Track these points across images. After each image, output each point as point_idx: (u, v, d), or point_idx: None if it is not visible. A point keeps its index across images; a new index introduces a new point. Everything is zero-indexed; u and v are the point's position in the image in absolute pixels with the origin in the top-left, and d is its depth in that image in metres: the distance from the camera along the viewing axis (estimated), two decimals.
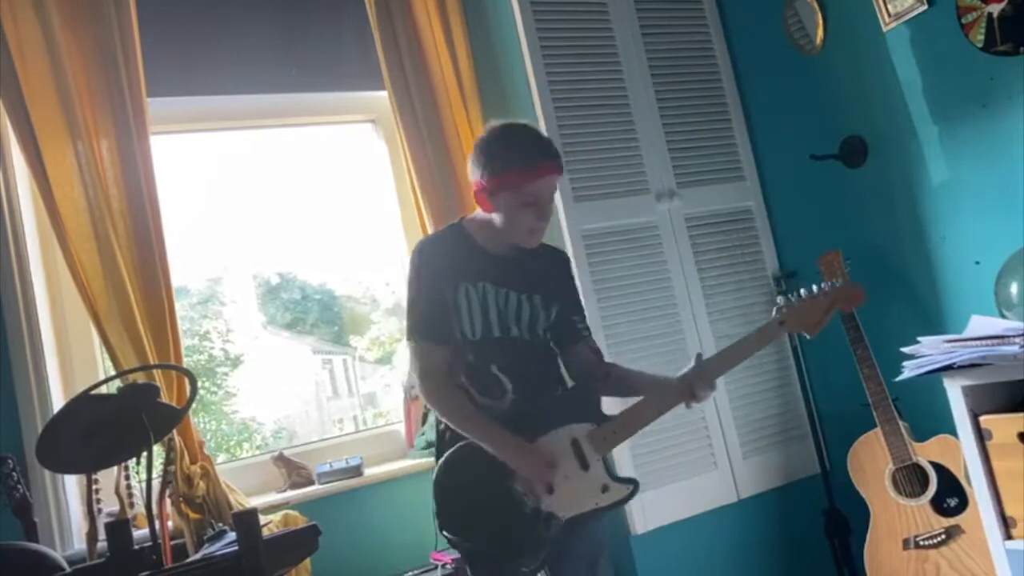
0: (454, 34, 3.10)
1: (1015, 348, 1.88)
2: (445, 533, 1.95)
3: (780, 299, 2.03)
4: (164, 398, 2.30)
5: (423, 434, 2.90)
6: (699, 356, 2.02)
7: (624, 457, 2.73)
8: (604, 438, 1.98)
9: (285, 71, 2.99)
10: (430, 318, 2.01)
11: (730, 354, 2.03)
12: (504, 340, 2.02)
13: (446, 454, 1.99)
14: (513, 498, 1.93)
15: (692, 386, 1.98)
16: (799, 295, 2.02)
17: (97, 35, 2.58)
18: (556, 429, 1.98)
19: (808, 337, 2.05)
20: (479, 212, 2.09)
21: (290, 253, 3.40)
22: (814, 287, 2.02)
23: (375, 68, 3.00)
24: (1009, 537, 1.95)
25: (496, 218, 2.03)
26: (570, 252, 2.79)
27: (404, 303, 2.11)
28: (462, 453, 1.97)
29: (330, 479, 2.76)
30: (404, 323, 2.07)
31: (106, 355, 2.56)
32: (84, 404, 1.93)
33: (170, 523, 2.44)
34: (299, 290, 3.53)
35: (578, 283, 2.25)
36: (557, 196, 2.78)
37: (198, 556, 2.04)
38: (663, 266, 2.94)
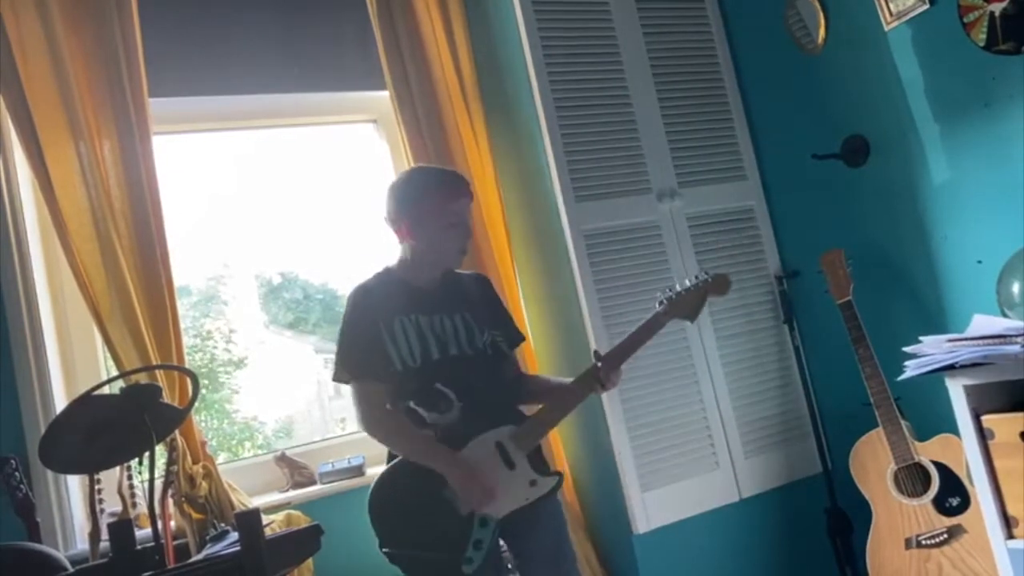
0: (455, 34, 3.10)
1: (1017, 347, 1.88)
2: (384, 549, 2.04)
3: (659, 294, 2.24)
4: (166, 398, 2.30)
5: None
6: (596, 353, 2.20)
7: (626, 457, 2.73)
8: (524, 436, 2.12)
9: (286, 71, 2.99)
10: (360, 356, 2.13)
11: (627, 344, 2.20)
12: (444, 360, 2.15)
13: (378, 476, 2.11)
14: (447, 504, 2.04)
15: (598, 375, 2.13)
16: (677, 291, 2.24)
17: (99, 35, 2.59)
18: (481, 435, 2.10)
19: (689, 323, 2.33)
20: (401, 254, 2.25)
21: (292, 253, 3.41)
22: (687, 281, 2.26)
23: (376, 68, 3.00)
24: (1011, 536, 1.95)
25: (422, 249, 2.20)
26: (571, 252, 2.79)
27: None
28: (392, 471, 2.10)
29: (332, 479, 2.76)
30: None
31: (108, 355, 2.56)
32: (86, 405, 1.93)
33: (172, 523, 2.44)
34: (301, 290, 3.53)
35: (503, 299, 2.48)
36: (558, 195, 2.82)
37: (201, 556, 2.04)
38: (664, 266, 2.94)
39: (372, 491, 2.09)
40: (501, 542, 2.24)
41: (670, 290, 2.24)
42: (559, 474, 2.17)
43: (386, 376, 2.13)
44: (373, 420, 2.11)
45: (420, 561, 2.04)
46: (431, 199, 2.18)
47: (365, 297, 2.19)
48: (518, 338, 2.38)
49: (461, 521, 2.03)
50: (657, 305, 2.22)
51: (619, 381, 2.19)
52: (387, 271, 2.26)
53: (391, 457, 2.16)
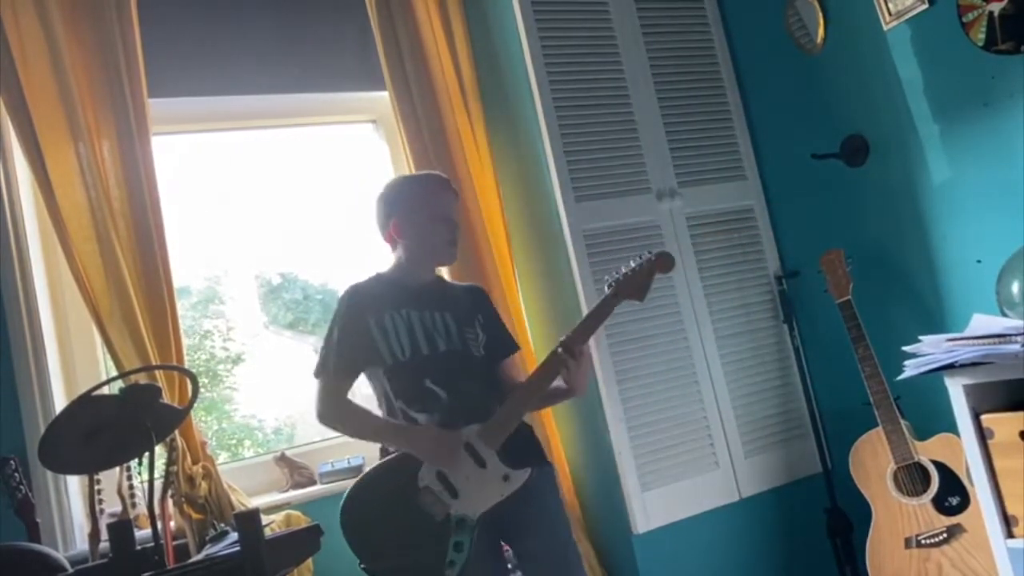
0: (455, 34, 3.10)
1: (1016, 347, 1.88)
2: (362, 566, 2.03)
3: (607, 277, 2.22)
4: (166, 398, 2.30)
5: None
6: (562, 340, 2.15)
7: (625, 456, 2.73)
8: (491, 433, 2.10)
9: (286, 71, 2.99)
10: (345, 355, 2.15)
11: (583, 326, 2.17)
12: (434, 355, 2.16)
13: (344, 496, 2.08)
14: (421, 513, 2.03)
15: (564, 354, 2.11)
16: (623, 272, 2.20)
17: (98, 36, 2.59)
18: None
19: (639, 303, 2.23)
20: (394, 260, 2.29)
21: (292, 253, 3.41)
22: (631, 262, 2.22)
23: (376, 68, 3.00)
24: (1011, 536, 1.95)
25: (413, 248, 2.24)
26: (571, 252, 2.80)
27: None
28: (359, 487, 2.09)
29: (332, 479, 2.76)
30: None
31: (108, 356, 2.56)
32: (86, 405, 1.94)
33: (172, 523, 2.45)
34: (300, 290, 3.53)
35: (498, 310, 2.45)
36: (558, 195, 2.82)
37: (200, 556, 2.04)
38: None
39: (343, 510, 2.06)
40: (505, 545, 2.23)
41: (617, 272, 2.22)
42: (530, 463, 2.14)
43: (356, 373, 2.18)
44: (334, 410, 2.14)
45: (401, 573, 2.04)
46: (414, 194, 2.27)
47: (355, 295, 2.23)
48: (512, 347, 2.38)
49: (438, 526, 2.02)
50: (606, 288, 2.21)
51: (585, 358, 2.15)
52: (378, 275, 2.30)
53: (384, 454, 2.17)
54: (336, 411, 2.15)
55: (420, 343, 2.16)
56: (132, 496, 2.32)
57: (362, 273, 2.31)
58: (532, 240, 3.05)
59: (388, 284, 2.25)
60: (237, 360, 3.33)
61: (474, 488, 2.06)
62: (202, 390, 3.14)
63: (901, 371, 2.11)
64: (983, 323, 2.11)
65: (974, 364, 1.96)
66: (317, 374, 2.17)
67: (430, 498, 2.04)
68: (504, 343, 2.35)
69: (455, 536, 2.02)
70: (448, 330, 2.19)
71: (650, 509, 2.74)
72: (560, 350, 2.13)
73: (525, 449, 2.20)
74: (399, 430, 2.12)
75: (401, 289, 2.23)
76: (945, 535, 2.48)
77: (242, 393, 3.34)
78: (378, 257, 2.39)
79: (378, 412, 2.21)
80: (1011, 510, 1.94)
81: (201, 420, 3.04)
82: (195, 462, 2.50)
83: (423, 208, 2.24)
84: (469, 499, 2.05)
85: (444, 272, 2.59)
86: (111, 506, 2.35)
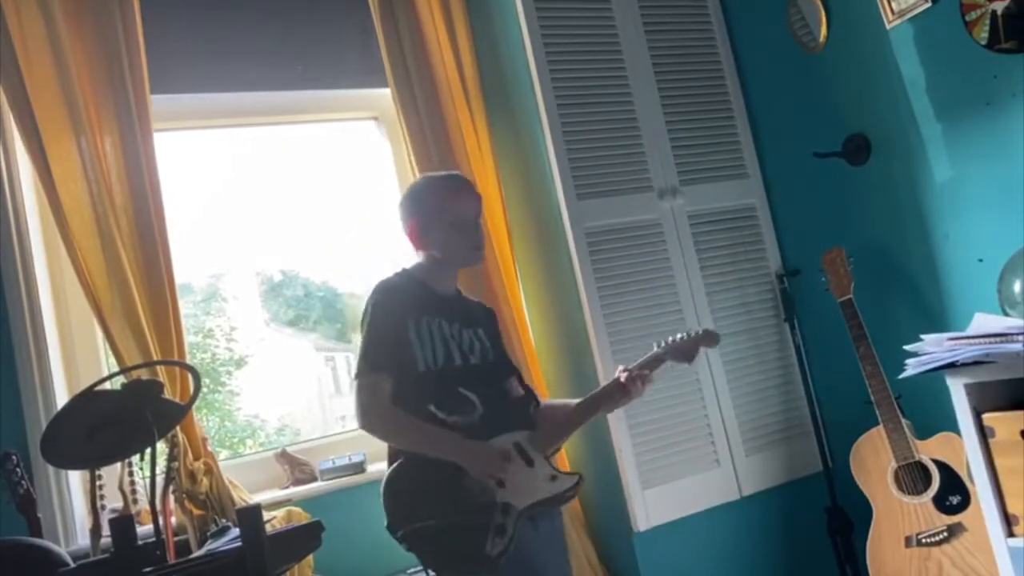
0: (457, 30, 3.10)
1: (1018, 346, 1.88)
2: (399, 534, 1.96)
3: (658, 341, 2.24)
4: (168, 394, 2.30)
5: None
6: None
7: (626, 455, 2.73)
8: (540, 441, 2.11)
9: (288, 68, 2.99)
10: (387, 349, 2.06)
11: (645, 363, 2.20)
12: (466, 367, 2.13)
13: (393, 467, 2.03)
14: (468, 492, 1.99)
15: (625, 385, 2.15)
16: (674, 339, 2.23)
17: (101, 31, 2.59)
18: (499, 436, 2.08)
19: (687, 365, 2.26)
20: (418, 259, 2.23)
21: (293, 250, 3.41)
22: (678, 334, 2.24)
23: (378, 65, 3.00)
24: (1011, 535, 1.95)
25: (434, 254, 2.18)
26: (572, 250, 2.80)
27: None
28: (411, 458, 2.02)
29: (333, 475, 2.76)
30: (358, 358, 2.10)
31: (109, 351, 2.56)
32: (88, 400, 1.94)
33: (173, 519, 2.45)
34: (302, 287, 3.53)
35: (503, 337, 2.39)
36: (560, 192, 2.82)
37: (202, 552, 2.05)
38: (666, 264, 2.94)
39: (389, 477, 2.00)
40: None
41: (666, 339, 2.24)
42: (579, 474, 2.12)
43: (404, 376, 2.07)
44: (381, 412, 2.03)
45: (444, 536, 1.95)
46: (432, 199, 2.19)
47: (393, 293, 2.14)
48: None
49: (483, 507, 1.97)
50: (655, 347, 2.23)
51: (644, 392, 2.17)
52: (406, 272, 2.23)
53: (393, 458, 2.07)
54: (384, 413, 2.03)
55: (453, 355, 2.12)
56: (133, 492, 2.33)
57: (365, 268, 2.25)
58: (534, 237, 3.05)
59: (419, 285, 2.19)
60: (240, 363, 3.32)
61: (521, 481, 2.02)
62: (204, 391, 3.13)
63: (902, 370, 2.11)
64: (984, 322, 2.11)
65: (975, 363, 1.97)
66: (359, 374, 2.05)
67: (477, 485, 1.99)
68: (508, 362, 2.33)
69: (498, 519, 1.96)
70: (473, 347, 2.17)
71: (651, 507, 2.74)
72: (623, 382, 2.14)
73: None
74: (448, 439, 2.02)
75: (431, 294, 2.18)
76: (946, 534, 2.48)
77: (244, 393, 3.34)
78: (377, 255, 2.37)
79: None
80: (1012, 509, 1.95)
81: (204, 418, 3.04)
82: (196, 458, 2.50)
83: (444, 214, 2.17)
84: (515, 490, 2.01)
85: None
86: (112, 502, 2.35)
